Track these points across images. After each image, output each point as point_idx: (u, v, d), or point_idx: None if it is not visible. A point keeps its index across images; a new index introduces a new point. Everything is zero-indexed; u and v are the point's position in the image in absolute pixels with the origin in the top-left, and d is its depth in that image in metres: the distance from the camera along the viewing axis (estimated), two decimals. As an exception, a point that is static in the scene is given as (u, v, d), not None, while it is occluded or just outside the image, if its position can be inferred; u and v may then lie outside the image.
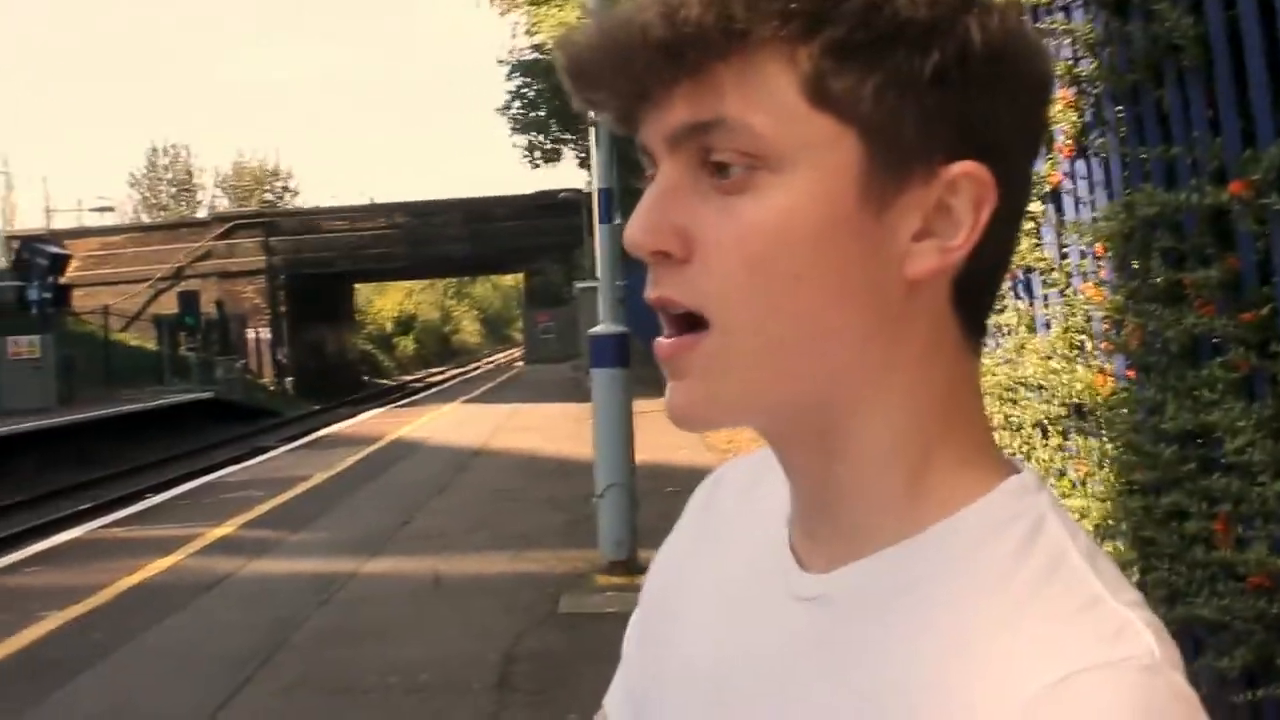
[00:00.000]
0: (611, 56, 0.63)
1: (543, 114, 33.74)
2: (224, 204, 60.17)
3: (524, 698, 5.27)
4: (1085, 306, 3.95)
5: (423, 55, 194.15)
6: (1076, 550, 0.61)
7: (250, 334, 41.15)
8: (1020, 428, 4.39)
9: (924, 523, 0.64)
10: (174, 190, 63.23)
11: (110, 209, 49.84)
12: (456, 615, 6.73)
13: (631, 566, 7.26)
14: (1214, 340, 3.12)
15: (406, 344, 68.00)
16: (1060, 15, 3.94)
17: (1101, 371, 3.86)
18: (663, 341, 0.64)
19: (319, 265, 43.41)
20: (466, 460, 14.45)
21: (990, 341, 4.45)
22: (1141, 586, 3.18)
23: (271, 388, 39.99)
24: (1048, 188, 4.14)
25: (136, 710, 5.32)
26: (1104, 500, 3.71)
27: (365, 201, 48.33)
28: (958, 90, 0.61)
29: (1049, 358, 4.16)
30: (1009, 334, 4.54)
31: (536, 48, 27.24)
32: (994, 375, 4.45)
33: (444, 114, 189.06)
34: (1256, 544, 2.89)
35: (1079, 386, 3.94)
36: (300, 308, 43.46)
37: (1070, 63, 3.82)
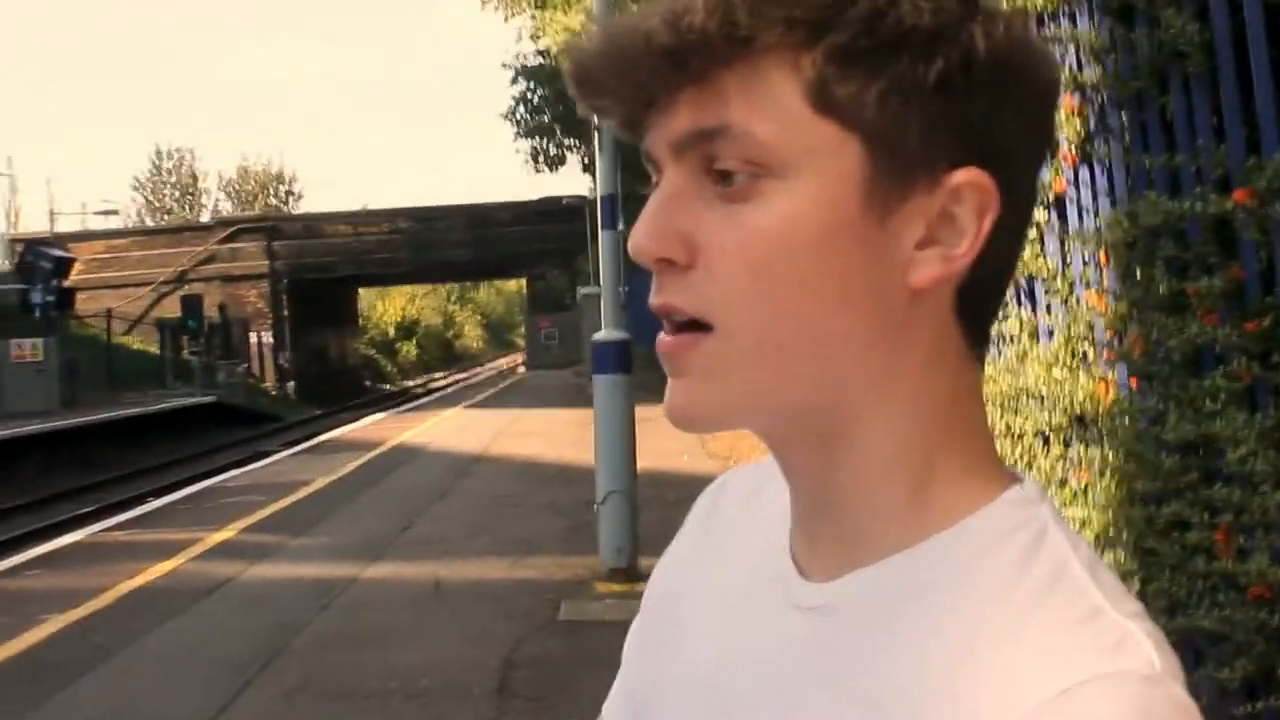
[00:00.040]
0: (616, 63, 0.63)
1: (546, 119, 33.76)
2: (228, 208, 60.28)
3: (524, 704, 5.26)
4: (1088, 315, 3.95)
5: (425, 56, 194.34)
6: (1078, 561, 0.61)
7: (253, 338, 41.18)
8: (1022, 436, 4.38)
9: (927, 531, 0.64)
10: (178, 194, 63.35)
11: (114, 212, 49.90)
12: (457, 621, 6.73)
13: (632, 574, 7.25)
14: (1217, 350, 3.12)
15: (409, 349, 68.03)
16: (1065, 21, 3.94)
17: (1104, 380, 3.85)
18: (664, 338, 0.64)
19: (322, 270, 43.46)
20: (468, 466, 14.45)
21: (993, 350, 4.45)
22: (1142, 597, 3.18)
23: (274, 392, 40.01)
24: (1051, 195, 4.13)
25: (137, 714, 5.32)
26: (1105, 510, 3.71)
27: (366, 205, 48.42)
28: (962, 97, 0.61)
29: (1051, 366, 4.16)
30: (1011, 342, 4.54)
31: (541, 53, 27.27)
32: (996, 383, 4.44)
33: (447, 115, 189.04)
34: (1258, 555, 2.89)
35: (1081, 395, 3.94)
36: (303, 312, 43.50)
37: (1074, 69, 3.82)
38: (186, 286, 40.51)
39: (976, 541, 0.63)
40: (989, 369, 4.38)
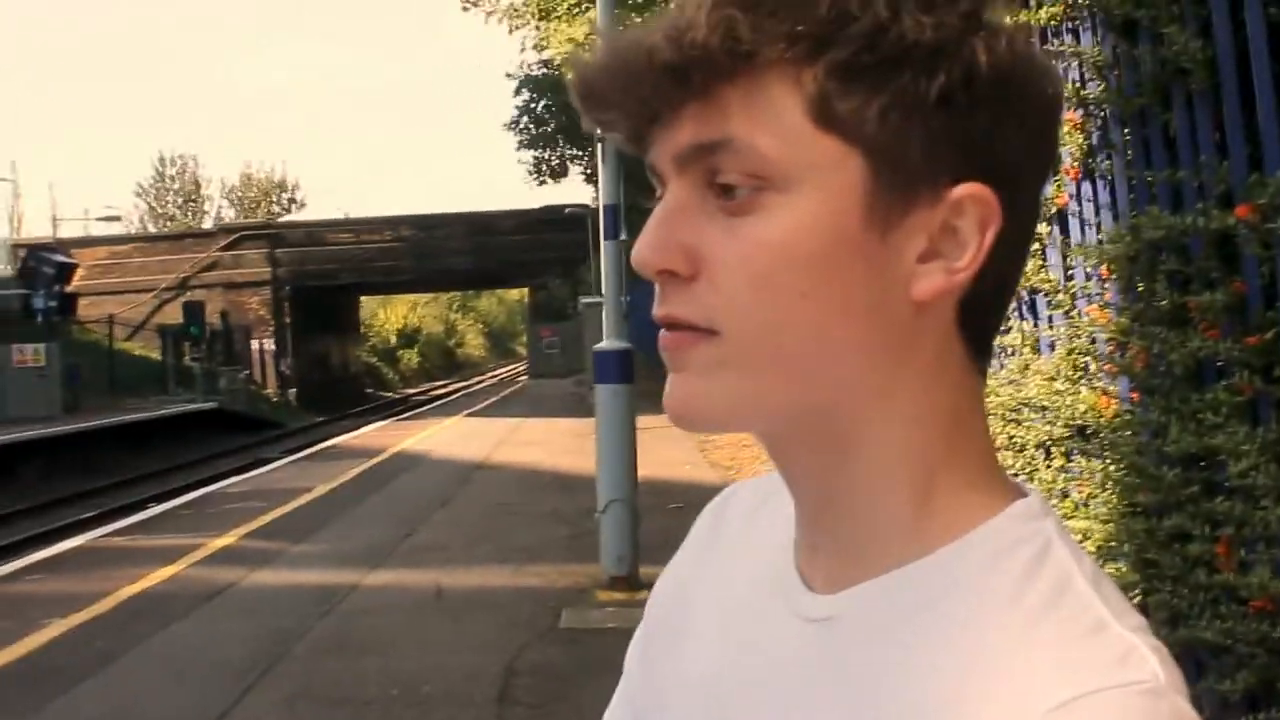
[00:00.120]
0: (619, 78, 0.63)
1: (550, 129, 33.80)
2: (230, 215, 60.32)
3: (525, 711, 5.26)
4: (1090, 328, 3.95)
5: (428, 63, 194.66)
6: (1082, 575, 0.61)
7: (254, 345, 41.18)
8: (1024, 448, 4.39)
9: (931, 545, 0.64)
10: (181, 200, 63.39)
11: (117, 218, 50.00)
12: (458, 628, 6.72)
13: (633, 582, 7.25)
14: (1218, 364, 3.12)
15: (411, 357, 68.02)
16: (1068, 37, 3.95)
17: (1105, 393, 3.86)
18: (666, 334, 0.65)
19: (324, 277, 43.48)
20: (469, 474, 14.44)
21: (994, 362, 4.45)
22: (1143, 609, 3.18)
23: (275, 399, 40.00)
24: (1053, 209, 4.14)
25: (137, 718, 5.31)
26: (1107, 522, 3.71)
27: (368, 212, 48.40)
28: (964, 112, 0.61)
29: (1053, 379, 4.16)
30: (1013, 355, 4.55)
31: (545, 63, 27.31)
32: (998, 395, 4.45)
33: (450, 123, 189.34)
34: (1259, 567, 2.89)
35: (1083, 408, 3.94)
36: (305, 319, 43.51)
37: (1077, 85, 3.83)
38: (189, 293, 40.53)
39: (980, 555, 0.63)
40: (990, 381, 4.38)
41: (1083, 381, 4.04)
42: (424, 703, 5.38)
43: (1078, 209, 4.06)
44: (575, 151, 34.10)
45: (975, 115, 0.61)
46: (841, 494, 0.66)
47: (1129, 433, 3.60)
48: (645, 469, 8.25)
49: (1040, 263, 4.27)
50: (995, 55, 0.61)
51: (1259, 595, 2.88)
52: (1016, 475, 0.70)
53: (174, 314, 38.23)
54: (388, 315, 66.72)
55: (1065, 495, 4.11)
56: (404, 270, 44.43)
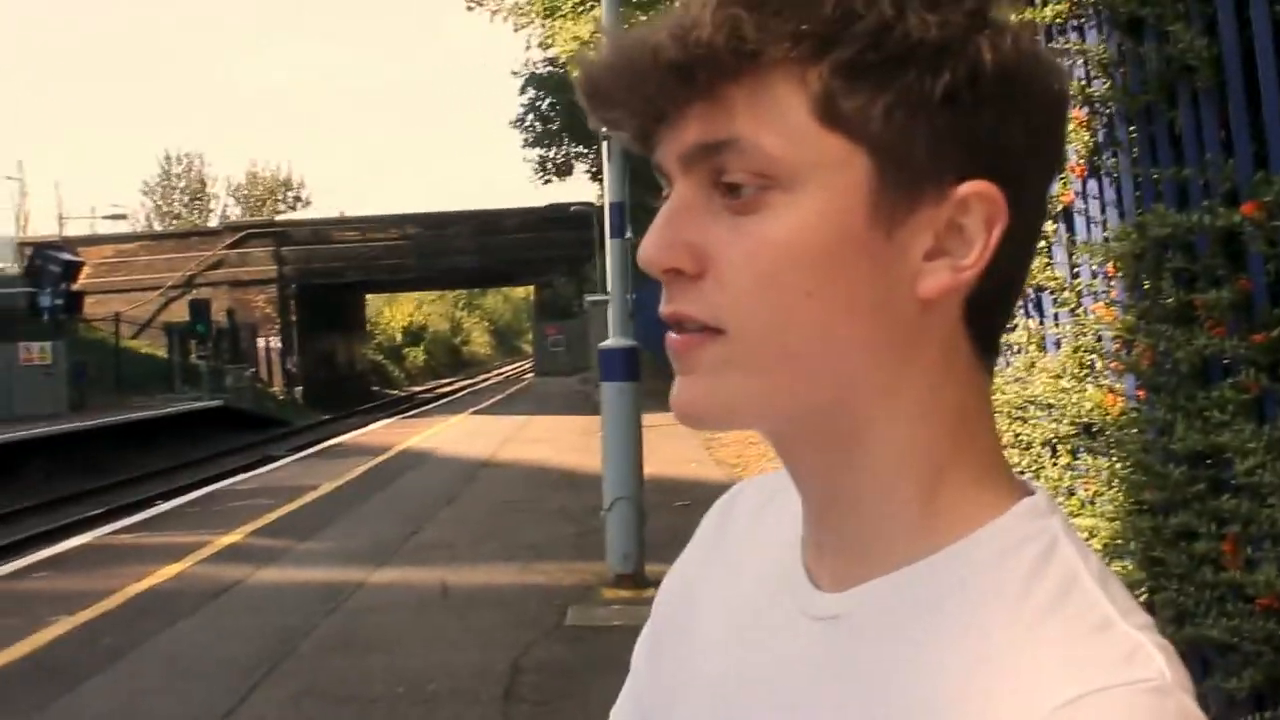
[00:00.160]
0: (625, 77, 0.63)
1: (555, 127, 33.79)
2: (236, 213, 60.37)
3: (530, 709, 5.26)
4: (1096, 326, 3.95)
5: (429, 60, 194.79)
6: (1089, 573, 0.61)
7: (260, 343, 41.23)
8: (1029, 446, 4.38)
9: (938, 542, 0.64)
10: (187, 199, 63.47)
11: (123, 216, 50.06)
12: (464, 626, 6.73)
13: (639, 580, 7.26)
14: (1225, 361, 3.12)
15: (416, 355, 68.07)
16: (1074, 35, 3.95)
17: (1111, 391, 3.85)
18: (674, 336, 0.65)
19: (330, 275, 43.50)
20: (475, 471, 14.45)
21: (1000, 360, 4.45)
22: (1150, 607, 3.18)
23: (281, 397, 40.04)
24: (1059, 207, 4.14)
25: (143, 716, 5.33)
26: (1113, 520, 3.71)
27: (373, 210, 48.45)
28: (969, 110, 0.61)
29: (1059, 376, 4.16)
30: (1019, 352, 4.54)
31: (550, 61, 27.29)
32: (1004, 393, 4.44)
33: (452, 120, 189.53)
34: (1266, 565, 2.89)
35: (1089, 406, 3.94)
36: (311, 317, 43.54)
37: (1083, 83, 3.82)
38: (195, 291, 40.57)
39: (987, 553, 0.63)
40: (996, 379, 4.37)
41: (1089, 379, 4.04)
42: (430, 700, 5.38)
43: (1084, 207, 4.06)
44: (581, 149, 34.09)
45: (980, 113, 0.61)
46: (848, 492, 0.66)
47: (1135, 430, 3.60)
48: (651, 467, 8.25)
49: (1046, 260, 4.27)
50: (1000, 53, 0.61)
51: (1265, 593, 2.88)
52: (1022, 473, 0.70)
53: (180, 312, 38.28)
54: (393, 313, 66.77)
55: (1071, 493, 4.10)
56: (410, 268, 44.43)
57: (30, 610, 7.35)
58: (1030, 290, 4.39)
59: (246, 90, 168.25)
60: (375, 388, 52.20)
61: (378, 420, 28.49)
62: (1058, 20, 3.99)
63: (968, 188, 0.62)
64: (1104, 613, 0.59)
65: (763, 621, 0.72)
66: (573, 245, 37.86)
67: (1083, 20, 3.93)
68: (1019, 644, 0.58)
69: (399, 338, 66.30)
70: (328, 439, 22.36)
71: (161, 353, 36.98)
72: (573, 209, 34.68)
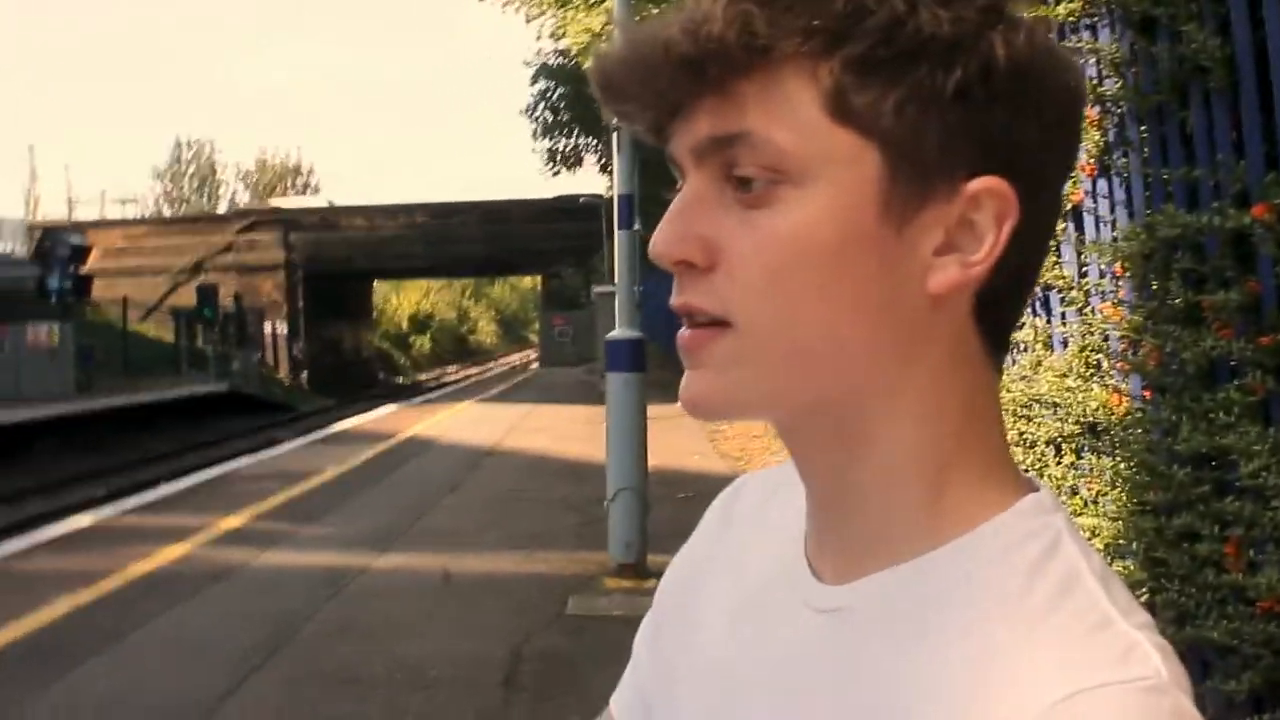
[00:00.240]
0: (637, 70, 0.64)
1: (566, 118, 33.77)
2: (245, 199, 60.44)
3: (530, 697, 5.27)
4: (1103, 326, 3.95)
5: (432, 55, 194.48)
6: (1090, 572, 0.61)
7: (267, 328, 41.32)
8: (1034, 445, 4.38)
9: (942, 536, 0.64)
10: (196, 184, 63.60)
11: (133, 201, 50.12)
12: (465, 613, 6.74)
13: (641, 570, 7.26)
14: (1231, 363, 3.11)
15: (422, 343, 68.17)
16: (1086, 34, 3.94)
17: (1117, 391, 3.85)
18: (684, 332, 0.65)
19: (338, 262, 43.57)
20: (479, 459, 14.47)
21: (1007, 358, 4.45)
22: (1151, 607, 3.18)
23: (287, 382, 40.11)
24: (1069, 206, 4.13)
25: (144, 696, 5.34)
26: (1115, 520, 3.71)
27: (382, 200, 48.51)
28: (981, 106, 0.61)
29: (1065, 375, 4.16)
30: (1025, 351, 4.54)
31: (561, 53, 27.25)
32: (1009, 391, 4.44)
33: (455, 117, 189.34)
34: (1268, 568, 2.89)
35: (1094, 405, 3.94)
36: (318, 304, 43.64)
37: (1095, 82, 3.82)
38: (202, 276, 40.66)
39: (989, 550, 0.63)
40: (1002, 377, 4.38)
41: (1095, 379, 4.04)
42: (430, 687, 5.40)
43: (1093, 206, 4.05)
44: (590, 141, 34.04)
45: (993, 109, 0.61)
46: (853, 487, 0.66)
47: (1140, 431, 3.60)
48: (655, 458, 8.25)
49: (1054, 259, 4.26)
50: (1013, 49, 0.61)
51: (1267, 596, 2.87)
52: (1026, 472, 0.70)
53: (188, 297, 38.37)
54: (400, 301, 66.88)
55: (1075, 492, 4.10)
56: (418, 256, 44.51)
57: (33, 590, 7.36)
58: (1038, 289, 4.39)
59: (247, 90, 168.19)
60: (381, 375, 52.26)
61: (383, 407, 28.53)
62: (1070, 19, 3.98)
63: (979, 184, 0.62)
64: (1103, 611, 0.59)
65: (765, 612, 0.72)
66: (581, 236, 37.89)
67: (1095, 19, 3.92)
68: (1018, 641, 0.58)
69: (405, 325, 66.39)
70: (333, 425, 22.37)
71: (168, 337, 37.08)
72: (581, 200, 34.67)
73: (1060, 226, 4.17)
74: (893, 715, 0.60)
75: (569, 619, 6.55)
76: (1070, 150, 0.67)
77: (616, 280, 8.31)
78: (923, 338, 0.64)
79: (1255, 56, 3.03)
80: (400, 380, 52.52)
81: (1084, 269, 4.15)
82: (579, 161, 35.90)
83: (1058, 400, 4.18)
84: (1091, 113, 3.86)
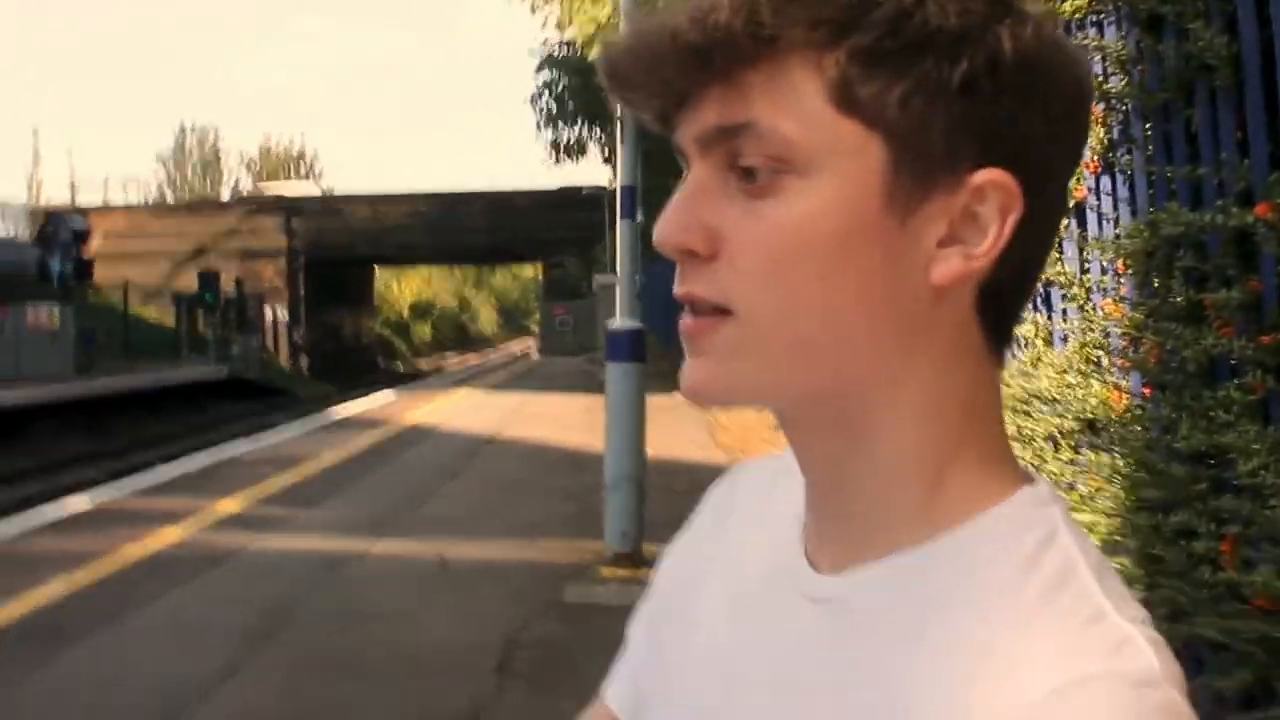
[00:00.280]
0: (644, 60, 0.64)
1: (570, 108, 33.69)
2: (249, 185, 60.39)
3: (525, 684, 5.28)
4: (1104, 322, 3.95)
5: (447, 43, 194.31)
6: (1086, 564, 0.61)
7: (268, 314, 41.28)
8: (1032, 440, 4.38)
9: (939, 527, 0.65)
10: (200, 169, 63.58)
11: (136, 185, 50.08)
12: (462, 600, 6.75)
13: (637, 560, 7.27)
14: (1231, 361, 3.12)
15: (423, 330, 68.16)
16: (1092, 30, 3.94)
17: (1117, 388, 3.85)
18: (687, 320, 0.66)
19: (339, 249, 43.54)
20: (478, 447, 14.47)
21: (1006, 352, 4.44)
22: (1146, 603, 3.18)
23: (287, 368, 40.10)
24: (1071, 202, 4.13)
25: (140, 678, 5.35)
26: (1112, 516, 3.71)
27: (386, 189, 48.48)
28: (987, 99, 0.61)
29: (1065, 372, 4.16)
30: (1026, 346, 4.54)
31: (567, 43, 27.19)
32: (1009, 387, 4.44)
33: (466, 105, 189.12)
34: (1263, 566, 2.89)
35: (1093, 402, 3.94)
36: (319, 290, 43.62)
37: (1100, 79, 3.81)
38: (205, 261, 40.64)
39: (987, 540, 0.63)
40: (1002, 373, 4.38)
41: (1094, 375, 4.04)
42: (425, 672, 5.41)
43: (1096, 203, 4.05)
44: (594, 131, 33.98)
45: (999, 102, 0.61)
46: (852, 477, 0.67)
47: (1139, 428, 3.60)
48: (653, 449, 8.26)
49: (1057, 255, 4.26)
50: (1021, 42, 0.61)
51: (1261, 594, 2.88)
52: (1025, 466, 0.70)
53: (189, 282, 38.35)
54: (401, 288, 66.83)
55: (1072, 488, 4.10)
56: (420, 244, 44.48)
57: (31, 571, 7.37)
58: (1040, 285, 4.38)
59: (250, 82, 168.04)
60: (380, 362, 52.25)
61: (382, 394, 28.51)
62: (1077, 15, 3.97)
63: (983, 176, 0.62)
64: (1098, 604, 0.59)
65: (762, 602, 0.72)
66: (583, 226, 37.85)
67: (1102, 16, 3.91)
68: (1012, 632, 0.59)
69: (406, 313, 66.36)
70: (333, 411, 22.38)
71: (169, 321, 37.07)
72: (584, 191, 34.63)
73: (1063, 223, 4.17)
74: (892, 712, 0.61)
75: (565, 607, 6.56)
76: (1077, 144, 0.67)
77: (619, 270, 8.31)
78: (925, 329, 0.64)
79: (1262, 55, 3.02)
80: (400, 367, 52.50)
81: (1086, 266, 4.15)
82: (582, 152, 35.84)
83: (1057, 396, 4.18)
84: (1096, 110, 3.85)
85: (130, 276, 37.81)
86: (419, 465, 12.97)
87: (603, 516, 7.65)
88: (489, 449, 14.39)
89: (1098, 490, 3.91)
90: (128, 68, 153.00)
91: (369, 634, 6.02)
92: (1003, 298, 0.66)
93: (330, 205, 45.55)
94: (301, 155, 65.24)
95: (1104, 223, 4.01)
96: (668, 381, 0.66)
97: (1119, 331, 3.78)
